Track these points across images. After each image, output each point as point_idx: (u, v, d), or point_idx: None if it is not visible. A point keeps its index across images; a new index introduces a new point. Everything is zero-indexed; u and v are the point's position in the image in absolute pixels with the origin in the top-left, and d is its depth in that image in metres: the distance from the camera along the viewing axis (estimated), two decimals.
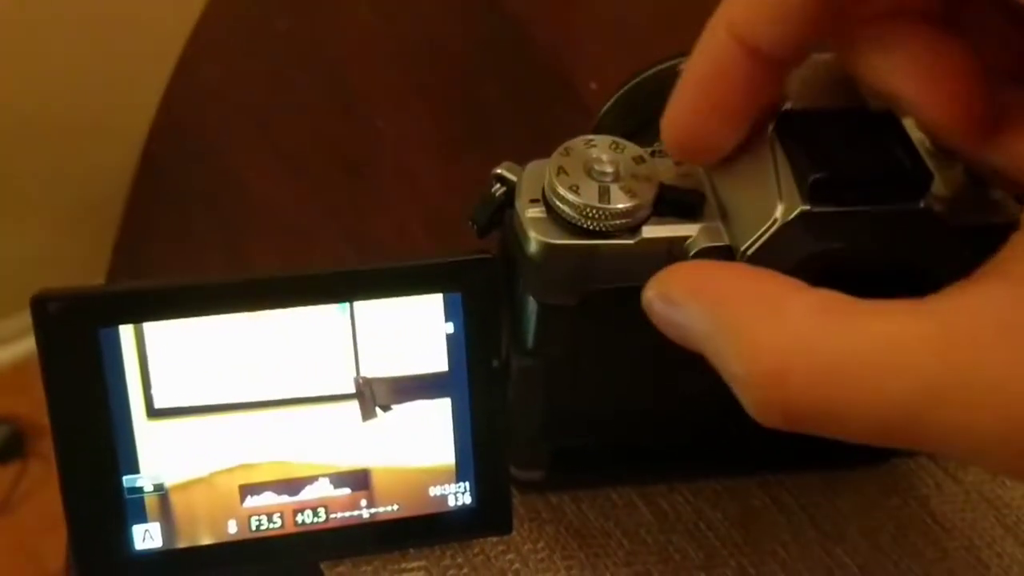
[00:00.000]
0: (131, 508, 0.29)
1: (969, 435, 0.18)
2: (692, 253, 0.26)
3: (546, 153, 0.28)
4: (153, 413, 0.28)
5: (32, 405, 1.19)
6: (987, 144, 0.23)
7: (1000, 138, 0.23)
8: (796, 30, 0.23)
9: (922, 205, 0.25)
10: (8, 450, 1.19)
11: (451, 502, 0.31)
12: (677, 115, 0.25)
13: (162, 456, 0.29)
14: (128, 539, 0.29)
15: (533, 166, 0.28)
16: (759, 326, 0.20)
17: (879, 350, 0.18)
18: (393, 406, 0.30)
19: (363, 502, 0.30)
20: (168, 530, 0.29)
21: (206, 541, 0.29)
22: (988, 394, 0.17)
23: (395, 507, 0.30)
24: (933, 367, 0.18)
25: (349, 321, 0.29)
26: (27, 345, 1.21)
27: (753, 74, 0.24)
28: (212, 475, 0.29)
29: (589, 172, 0.27)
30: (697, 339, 0.22)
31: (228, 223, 0.46)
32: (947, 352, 0.18)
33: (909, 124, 0.26)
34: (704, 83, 0.25)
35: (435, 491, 0.31)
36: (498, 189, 0.29)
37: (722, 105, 0.25)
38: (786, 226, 0.25)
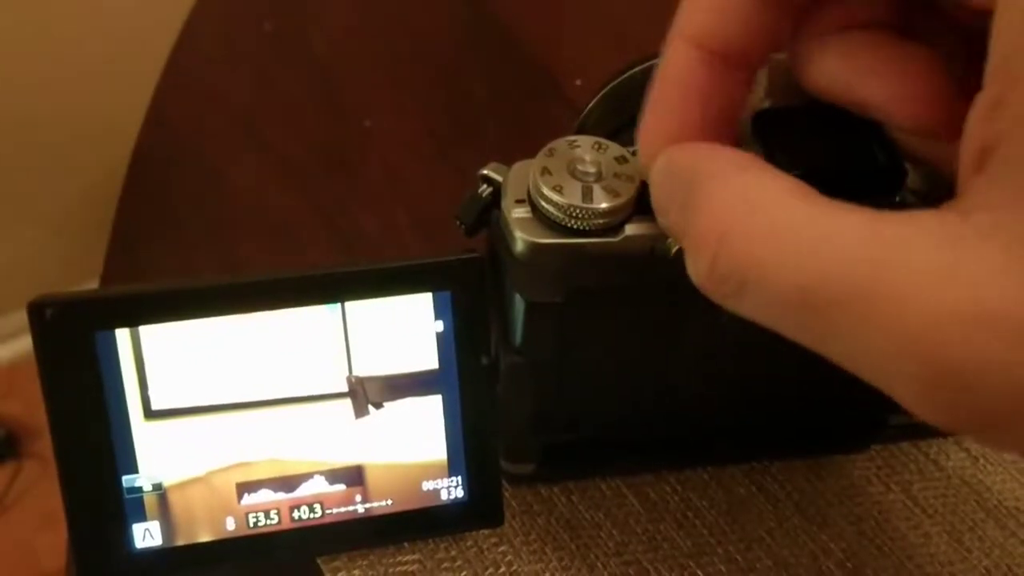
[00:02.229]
0: (130, 507, 0.29)
1: (881, 338, 0.17)
2: (675, 250, 0.27)
3: (532, 149, 0.28)
4: (150, 414, 0.29)
5: (26, 406, 1.20)
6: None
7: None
8: (752, 29, 0.24)
9: (897, 200, 0.26)
10: (2, 450, 1.19)
11: (444, 496, 0.31)
12: (651, 137, 0.25)
13: (160, 456, 0.29)
14: (128, 538, 0.29)
15: (518, 167, 0.29)
16: (721, 189, 0.20)
17: (817, 230, 0.18)
18: (385, 403, 0.30)
19: (358, 497, 0.31)
20: (167, 528, 0.30)
21: (205, 538, 0.30)
22: (918, 286, 0.16)
23: (389, 502, 0.31)
24: (861, 247, 0.17)
25: (341, 321, 0.29)
26: (20, 346, 1.21)
27: (718, 81, 0.24)
28: (209, 474, 0.30)
29: (573, 172, 0.27)
30: (675, 205, 0.22)
31: (218, 223, 0.46)
32: (881, 239, 0.17)
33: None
34: (672, 99, 0.24)
35: (428, 486, 0.31)
36: (485, 189, 0.29)
37: (692, 119, 0.24)
38: None
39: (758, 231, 0.19)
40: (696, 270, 0.21)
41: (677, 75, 0.24)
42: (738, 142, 0.26)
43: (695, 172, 0.22)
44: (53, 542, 1.12)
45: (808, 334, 0.19)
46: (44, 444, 1.19)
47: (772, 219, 0.19)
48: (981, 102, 0.18)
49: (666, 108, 0.25)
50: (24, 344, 1.20)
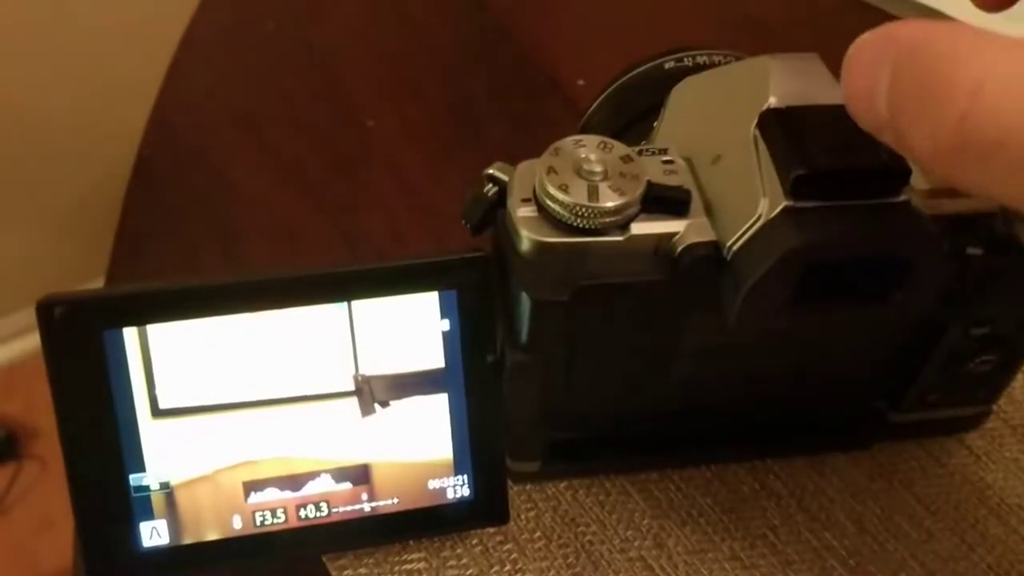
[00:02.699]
0: (138, 506, 0.29)
1: None
2: (680, 249, 0.27)
3: (535, 149, 0.29)
4: (158, 413, 0.29)
5: (25, 406, 1.20)
6: None
7: None
8: None
9: (902, 198, 0.26)
10: (2, 451, 1.19)
11: (449, 495, 0.32)
12: None
13: (167, 455, 0.29)
14: (136, 536, 0.30)
15: (524, 166, 0.29)
16: (974, 51, 0.19)
17: None
18: (391, 402, 0.30)
19: (364, 496, 0.31)
20: (174, 527, 0.30)
21: (212, 537, 0.30)
22: None
23: (395, 500, 0.31)
24: None
25: (348, 320, 0.29)
26: (20, 346, 1.21)
27: None
28: (216, 472, 0.30)
29: (578, 171, 0.27)
30: (879, 87, 0.20)
31: (221, 223, 0.47)
32: None
33: None
34: None
35: (434, 484, 0.31)
36: (490, 189, 0.29)
37: None
38: (770, 222, 0.25)
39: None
40: (933, 131, 0.19)
41: None
42: None
43: (925, 34, 0.20)
44: (53, 543, 1.12)
45: None
46: (44, 445, 1.19)
47: None
48: None
49: None
50: (24, 345, 1.20)
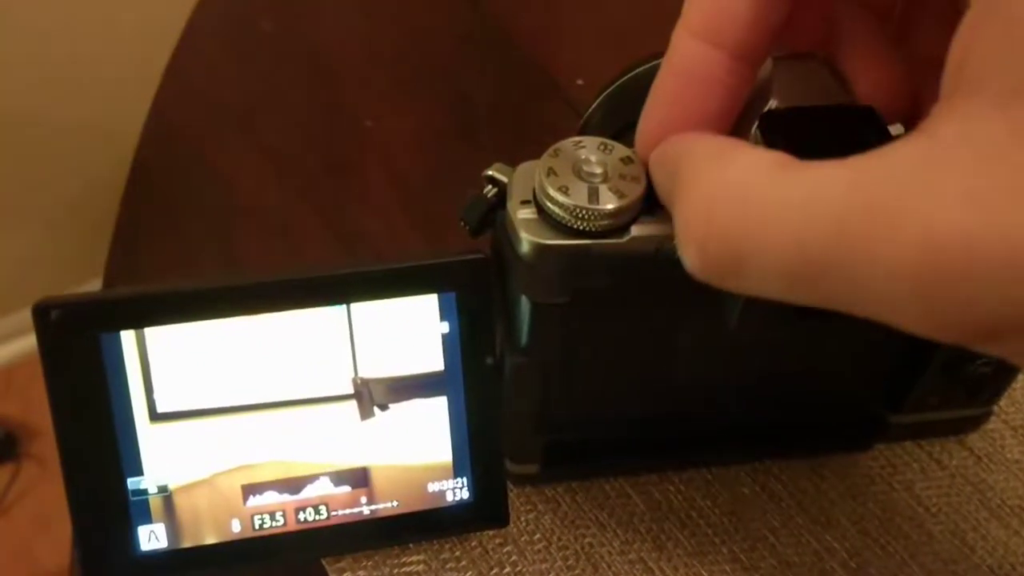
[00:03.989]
0: (136, 510, 0.29)
1: (878, 268, 0.17)
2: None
3: (533, 149, 0.28)
4: (155, 416, 0.29)
5: (24, 407, 1.20)
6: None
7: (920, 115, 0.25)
8: (758, 25, 0.24)
9: None
10: (1, 452, 1.19)
11: (449, 497, 0.31)
12: (651, 130, 0.25)
13: (165, 458, 0.29)
14: (134, 540, 0.29)
15: (524, 167, 0.29)
16: (704, 173, 0.20)
17: (800, 194, 0.18)
18: (391, 405, 0.30)
19: (363, 499, 0.31)
20: (173, 530, 0.30)
21: (210, 540, 0.30)
22: (900, 217, 0.16)
23: (394, 503, 0.31)
24: (844, 199, 0.17)
25: (346, 323, 0.29)
26: (18, 347, 1.21)
27: (721, 76, 0.24)
28: (215, 476, 0.30)
29: (578, 173, 0.27)
30: (667, 196, 0.23)
31: (219, 224, 0.46)
32: (859, 184, 0.17)
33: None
34: (674, 94, 0.25)
35: (433, 487, 0.31)
36: (489, 190, 0.29)
37: (695, 112, 0.25)
38: None
39: (745, 204, 0.19)
40: (689, 254, 0.21)
41: (681, 66, 0.25)
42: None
43: (679, 159, 0.22)
44: (52, 543, 1.11)
45: (813, 292, 0.19)
46: (43, 445, 1.19)
47: (758, 191, 0.19)
48: (964, 20, 0.18)
49: (668, 98, 0.25)
50: (22, 345, 1.20)
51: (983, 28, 0.17)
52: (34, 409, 1.20)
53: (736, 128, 0.27)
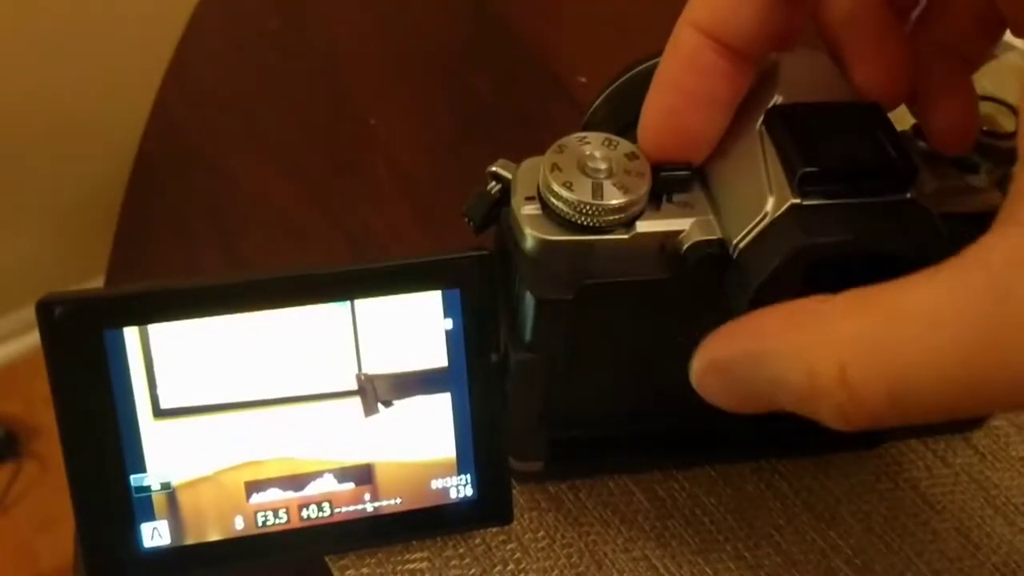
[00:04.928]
0: (139, 507, 0.29)
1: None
2: (685, 247, 0.27)
3: (537, 146, 0.28)
4: (159, 413, 0.29)
5: (25, 405, 1.20)
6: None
7: (924, 99, 0.26)
8: (761, 22, 0.24)
9: (909, 196, 0.26)
10: (1, 450, 1.19)
11: (452, 494, 0.31)
12: (653, 116, 0.26)
13: (169, 455, 0.29)
14: (137, 537, 0.29)
15: (528, 163, 0.29)
16: (803, 339, 0.20)
17: (922, 314, 0.18)
18: (394, 402, 0.30)
19: (367, 496, 0.31)
20: (176, 527, 0.30)
21: (213, 537, 0.30)
22: None
23: (398, 500, 0.31)
24: (981, 312, 0.18)
25: (350, 319, 0.29)
26: (19, 345, 1.21)
27: (723, 68, 0.25)
28: (218, 473, 0.30)
29: (583, 169, 0.27)
30: (759, 386, 0.22)
31: (223, 222, 0.46)
32: (992, 295, 0.18)
33: (895, 118, 0.26)
34: (676, 81, 0.26)
35: (437, 484, 0.31)
36: (494, 187, 0.29)
37: (696, 99, 0.25)
38: (777, 219, 0.25)
39: (872, 352, 0.19)
40: (830, 414, 0.20)
41: (684, 55, 0.25)
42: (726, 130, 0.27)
43: (761, 338, 0.21)
44: (52, 542, 1.11)
45: (969, 403, 0.19)
46: (43, 444, 1.19)
47: (877, 335, 0.19)
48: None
49: (671, 87, 0.26)
50: (23, 344, 1.20)
51: None
52: (35, 408, 1.20)
53: (741, 125, 0.27)
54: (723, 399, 0.23)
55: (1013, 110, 0.30)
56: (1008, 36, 0.26)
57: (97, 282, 0.44)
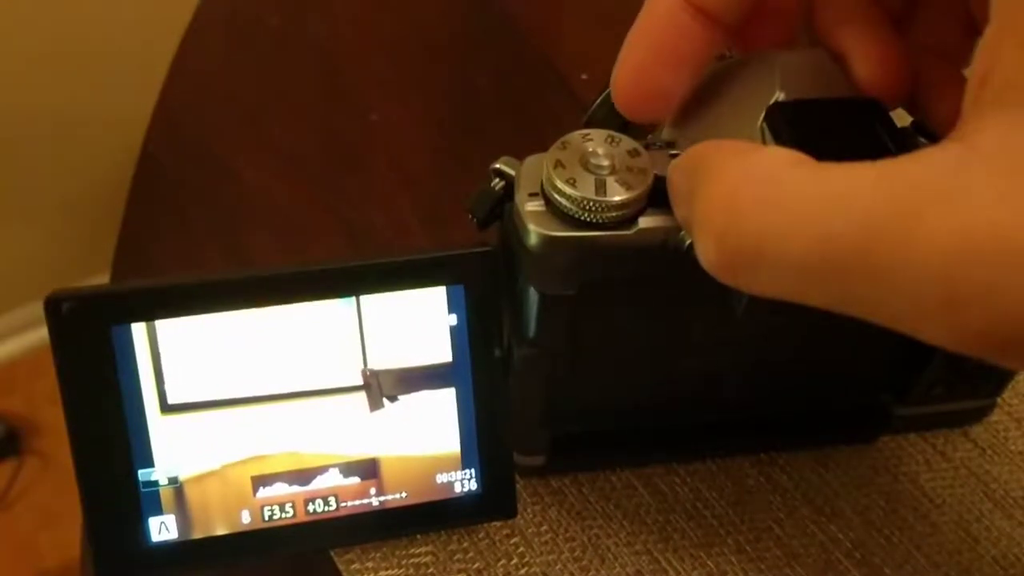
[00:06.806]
0: (147, 501, 0.30)
1: (905, 268, 0.17)
2: (688, 243, 0.27)
3: (539, 143, 0.29)
4: (166, 408, 0.29)
5: (27, 402, 1.20)
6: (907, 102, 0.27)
7: (921, 99, 0.26)
8: None
9: None
10: (3, 448, 1.19)
11: (457, 488, 0.32)
12: (624, 72, 0.27)
13: (176, 450, 0.29)
14: (144, 531, 0.30)
15: (531, 160, 0.29)
16: (728, 166, 0.21)
17: (827, 190, 0.18)
18: (399, 397, 0.30)
19: (372, 490, 0.31)
20: (183, 522, 0.30)
21: (220, 531, 0.30)
22: (933, 217, 0.16)
23: (403, 494, 0.31)
24: (873, 198, 0.17)
25: (356, 315, 0.29)
26: (21, 342, 1.21)
27: (696, 30, 0.26)
28: (225, 467, 0.30)
29: (586, 165, 0.27)
30: (685, 196, 0.23)
31: (225, 218, 0.47)
32: (889, 185, 0.17)
33: (895, 113, 0.27)
34: (648, 39, 0.26)
35: (442, 478, 0.31)
36: (497, 183, 0.29)
37: (666, 55, 0.26)
38: None
39: (767, 198, 0.19)
40: (705, 248, 0.20)
41: (658, 15, 0.26)
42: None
43: (701, 158, 0.22)
44: (55, 539, 1.12)
45: (829, 294, 0.19)
46: (45, 441, 1.19)
47: (780, 186, 0.19)
48: (987, 32, 0.18)
49: (642, 41, 0.26)
50: (25, 341, 1.20)
51: (1009, 40, 0.18)
52: (37, 405, 1.20)
53: (743, 122, 0.27)
54: (672, 182, 0.25)
55: None
56: None
57: (99, 280, 0.44)
